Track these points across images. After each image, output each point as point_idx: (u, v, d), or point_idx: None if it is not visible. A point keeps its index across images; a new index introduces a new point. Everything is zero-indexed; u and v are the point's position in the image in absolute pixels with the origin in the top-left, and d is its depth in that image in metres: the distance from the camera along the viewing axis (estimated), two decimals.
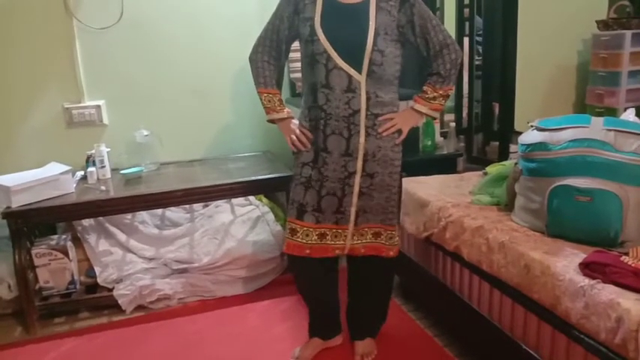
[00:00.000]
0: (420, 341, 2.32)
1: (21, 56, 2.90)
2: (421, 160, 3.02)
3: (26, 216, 2.46)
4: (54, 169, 2.63)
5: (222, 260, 2.80)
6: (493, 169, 2.42)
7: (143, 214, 3.03)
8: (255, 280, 2.85)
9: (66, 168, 2.64)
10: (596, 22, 4.07)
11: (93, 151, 2.86)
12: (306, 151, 1.99)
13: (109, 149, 2.89)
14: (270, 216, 3.07)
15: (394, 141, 1.96)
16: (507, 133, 3.06)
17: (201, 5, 3.12)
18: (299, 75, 2.22)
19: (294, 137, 1.99)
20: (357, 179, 1.94)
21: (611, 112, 3.85)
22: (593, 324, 1.44)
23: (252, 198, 3.19)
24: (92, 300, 2.70)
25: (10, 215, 2.43)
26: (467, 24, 3.30)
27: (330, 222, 1.98)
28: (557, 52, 4.12)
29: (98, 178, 2.83)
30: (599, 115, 2.01)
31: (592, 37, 4.09)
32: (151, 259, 2.85)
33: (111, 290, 2.69)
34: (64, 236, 2.75)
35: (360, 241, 2.04)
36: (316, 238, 1.99)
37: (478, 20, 3.26)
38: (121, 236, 2.90)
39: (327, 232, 1.99)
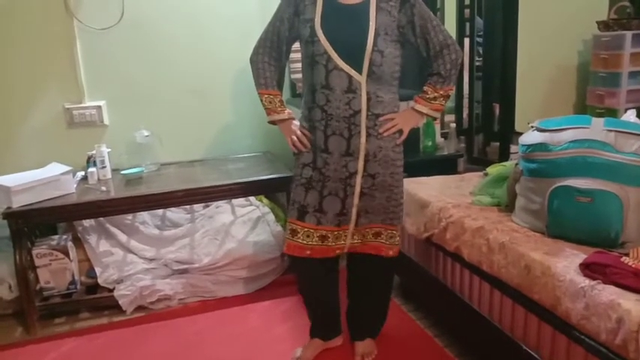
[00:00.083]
0: (420, 341, 2.32)
1: (21, 56, 2.91)
2: (422, 161, 3.02)
3: (27, 216, 2.47)
4: (55, 169, 2.63)
5: (223, 261, 2.81)
6: (493, 169, 2.42)
7: (144, 215, 3.03)
8: (256, 281, 2.85)
9: (67, 168, 2.64)
10: (597, 22, 4.06)
11: (93, 152, 2.86)
12: (307, 152, 1.99)
13: (109, 150, 2.90)
14: (271, 216, 3.07)
15: (395, 141, 1.96)
16: (508, 134, 3.06)
17: (201, 5, 3.13)
18: (299, 76, 2.22)
19: (294, 138, 2.00)
20: (359, 179, 1.94)
21: (612, 112, 3.85)
22: (594, 325, 1.44)
23: (252, 198, 3.19)
24: (93, 300, 2.70)
25: (11, 215, 2.43)
26: (467, 25, 3.30)
27: (332, 224, 1.98)
28: (557, 52, 4.12)
29: (99, 179, 2.83)
30: (599, 115, 2.02)
31: (592, 37, 4.09)
32: (151, 260, 2.85)
33: (111, 291, 2.70)
34: (64, 236, 2.75)
35: (360, 241, 2.05)
36: (317, 239, 1.99)
37: (478, 21, 3.26)
38: (122, 237, 2.90)
39: (329, 235, 1.99)
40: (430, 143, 3.11)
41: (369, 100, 1.88)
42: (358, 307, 2.24)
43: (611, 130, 1.74)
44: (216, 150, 3.33)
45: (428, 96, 1.97)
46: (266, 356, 2.26)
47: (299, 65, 2.16)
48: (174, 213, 3.15)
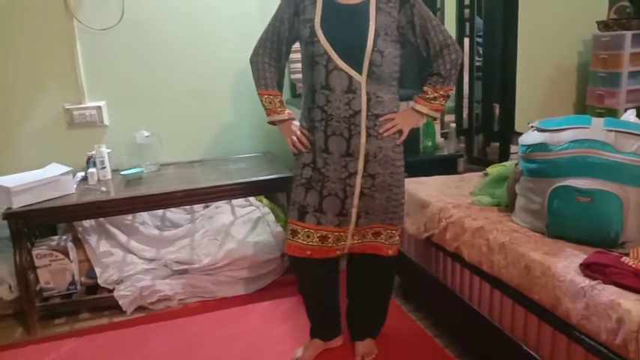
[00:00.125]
0: (420, 342, 2.32)
1: (21, 57, 2.91)
2: (422, 161, 3.03)
3: (27, 217, 2.46)
4: (54, 169, 2.63)
5: (223, 261, 2.81)
6: (493, 169, 2.42)
7: (144, 215, 3.03)
8: (256, 281, 2.85)
9: (66, 169, 2.64)
10: (597, 22, 4.06)
11: (93, 152, 2.86)
12: (307, 152, 1.99)
13: (109, 150, 2.89)
14: (271, 217, 3.07)
15: (395, 141, 1.96)
16: (508, 134, 3.06)
17: (201, 5, 3.12)
18: (299, 76, 2.22)
19: (294, 138, 2.00)
20: (359, 180, 1.94)
21: (612, 112, 3.85)
22: (594, 325, 1.44)
23: (252, 199, 3.19)
24: (93, 301, 2.70)
25: (11, 216, 2.43)
26: (467, 25, 3.30)
27: (332, 224, 1.98)
28: (557, 52, 4.12)
29: (99, 179, 2.83)
30: (599, 115, 2.02)
31: (592, 37, 4.09)
32: (151, 260, 2.85)
33: (111, 291, 2.69)
34: (64, 237, 2.75)
35: (360, 241, 2.05)
36: (317, 240, 1.99)
37: (478, 21, 3.26)
38: (122, 237, 2.90)
39: (329, 235, 1.99)
40: (430, 143, 3.11)
41: (368, 100, 1.88)
42: (358, 307, 2.24)
43: (611, 130, 1.74)
44: (216, 150, 3.33)
45: (428, 96, 1.97)
46: (266, 356, 2.26)
47: (299, 65, 2.16)
48: (174, 213, 3.15)
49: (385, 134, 1.93)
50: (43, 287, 2.64)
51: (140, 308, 2.70)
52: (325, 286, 2.16)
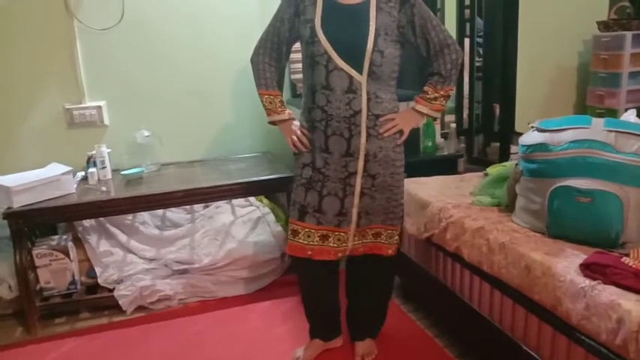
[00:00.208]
0: (420, 342, 2.32)
1: (21, 57, 2.91)
2: (422, 161, 3.02)
3: (27, 216, 2.47)
4: (55, 169, 2.63)
5: (223, 261, 2.81)
6: (494, 170, 2.42)
7: (144, 215, 3.03)
8: (256, 281, 2.85)
9: (67, 168, 2.64)
10: (597, 23, 4.06)
11: (94, 152, 2.86)
12: (307, 152, 1.99)
13: (109, 150, 2.89)
14: (271, 217, 3.07)
15: (395, 142, 1.96)
16: (508, 134, 3.06)
17: (201, 5, 3.12)
18: (300, 76, 2.22)
19: (294, 138, 2.00)
20: (359, 179, 1.94)
21: (612, 113, 3.85)
22: (594, 325, 1.44)
23: (252, 199, 3.19)
24: (93, 300, 2.70)
25: (11, 215, 2.43)
26: (467, 25, 3.31)
27: (332, 224, 1.98)
28: (557, 53, 4.12)
29: (99, 179, 2.83)
30: (599, 116, 2.01)
31: (592, 38, 4.09)
32: (151, 260, 2.85)
33: (111, 291, 2.70)
34: (64, 237, 2.75)
35: (360, 242, 2.04)
36: (318, 239, 1.99)
37: (479, 21, 3.26)
38: (122, 237, 2.90)
39: (330, 235, 1.99)
40: (430, 143, 3.11)
41: (369, 100, 1.88)
42: (358, 308, 2.24)
43: (611, 131, 1.74)
44: (216, 150, 3.33)
45: (428, 96, 1.97)
46: (266, 356, 2.26)
47: (299, 66, 2.16)
48: (174, 213, 3.15)
49: (386, 134, 1.93)
50: (43, 287, 2.64)
51: (140, 308, 2.70)
52: (326, 287, 2.16)
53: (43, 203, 2.49)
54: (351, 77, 1.86)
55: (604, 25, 4.06)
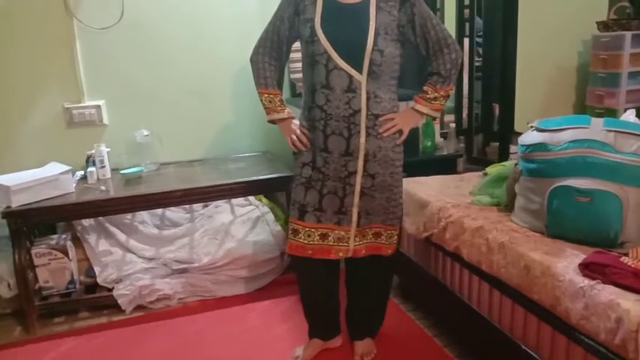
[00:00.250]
0: (419, 341, 2.33)
1: (21, 56, 2.91)
2: (421, 161, 3.02)
3: (26, 216, 2.46)
4: (54, 168, 2.63)
5: (222, 260, 2.81)
6: (493, 169, 2.42)
7: (143, 214, 3.03)
8: (256, 280, 2.85)
9: (66, 168, 2.64)
10: (596, 23, 4.06)
11: (93, 151, 2.86)
12: (307, 152, 1.99)
13: (109, 149, 2.90)
14: (270, 216, 3.07)
15: (395, 141, 1.96)
16: (507, 134, 3.06)
17: (201, 5, 3.12)
18: (299, 75, 2.22)
19: (294, 137, 2.00)
20: (359, 179, 1.94)
21: (611, 113, 3.85)
22: (593, 324, 1.44)
23: (252, 198, 3.19)
24: (92, 300, 2.70)
25: (10, 215, 2.43)
26: (467, 25, 3.31)
27: (332, 222, 1.98)
28: (557, 53, 4.12)
29: (98, 178, 2.83)
30: (599, 116, 2.01)
31: (592, 38, 4.09)
32: (150, 259, 2.85)
33: (110, 290, 2.69)
34: (63, 236, 2.75)
35: (361, 242, 2.03)
36: (318, 238, 1.99)
37: (478, 21, 3.26)
38: (121, 236, 2.90)
39: (329, 233, 1.99)
40: (430, 143, 3.11)
41: (368, 99, 1.88)
42: (357, 307, 2.24)
43: (610, 131, 1.74)
44: (215, 150, 3.33)
45: (428, 96, 1.97)
46: (265, 356, 2.26)
47: (298, 65, 2.16)
48: (173, 212, 3.15)
49: (385, 134, 1.93)
50: (42, 286, 2.64)
51: (139, 307, 2.69)
52: (326, 287, 2.16)
53: (42, 202, 2.49)
54: (350, 76, 1.86)
55: (603, 25, 4.06)
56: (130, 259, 2.83)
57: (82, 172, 2.87)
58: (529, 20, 3.30)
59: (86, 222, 2.88)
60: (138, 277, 2.73)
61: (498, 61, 3.06)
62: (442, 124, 3.48)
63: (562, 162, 1.76)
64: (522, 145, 1.92)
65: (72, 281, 2.69)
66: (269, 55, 2.01)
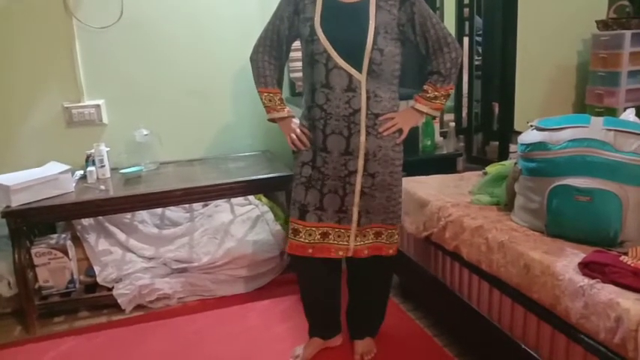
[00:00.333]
0: (419, 341, 2.33)
1: (21, 56, 2.90)
2: (421, 160, 3.02)
3: (26, 215, 2.46)
4: (53, 168, 2.63)
5: (222, 260, 2.80)
6: (493, 168, 2.43)
7: (143, 214, 3.02)
8: (255, 280, 2.85)
9: (65, 167, 2.63)
10: (596, 22, 4.07)
11: (92, 151, 2.86)
12: (306, 151, 1.99)
13: (108, 149, 2.89)
14: (270, 215, 3.07)
15: (395, 140, 1.96)
16: (507, 133, 3.06)
17: (201, 5, 3.12)
18: (299, 74, 2.22)
19: (294, 136, 2.00)
20: (359, 178, 1.94)
21: (611, 112, 3.85)
22: (593, 324, 1.44)
23: (251, 197, 3.19)
24: (92, 299, 2.70)
25: (10, 214, 2.43)
26: (467, 24, 3.31)
27: (333, 221, 1.98)
28: (556, 52, 4.12)
29: (98, 178, 2.82)
30: (598, 115, 2.02)
31: (592, 37, 4.09)
32: (150, 259, 2.85)
33: (110, 289, 2.69)
34: (63, 235, 2.75)
35: (362, 242, 2.03)
36: (319, 237, 1.99)
37: (478, 20, 3.26)
38: (121, 235, 2.90)
39: (330, 232, 1.99)
40: (429, 142, 3.11)
41: (368, 99, 1.88)
42: (357, 306, 2.24)
43: (610, 130, 1.74)
44: (215, 149, 3.32)
45: (428, 95, 1.97)
46: (265, 355, 2.26)
47: (298, 64, 2.16)
48: (173, 212, 3.14)
49: (385, 133, 1.93)
50: (42, 286, 2.64)
51: (139, 307, 2.69)
52: (326, 286, 2.16)
53: (42, 202, 2.49)
54: (350, 76, 1.86)
55: (603, 24, 4.06)
56: (129, 259, 2.83)
57: (82, 172, 2.87)
58: (529, 19, 3.31)
59: (86, 221, 2.87)
60: (137, 277, 2.73)
61: (498, 60, 3.06)
62: (442, 123, 3.47)
63: (562, 161, 1.77)
64: (522, 144, 1.92)
65: (72, 281, 2.69)
66: (269, 54, 2.01)
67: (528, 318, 1.71)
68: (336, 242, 2.00)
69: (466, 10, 3.32)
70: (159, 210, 3.08)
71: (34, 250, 2.60)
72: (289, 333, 2.40)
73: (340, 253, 2.02)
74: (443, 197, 2.28)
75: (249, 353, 2.28)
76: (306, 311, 2.23)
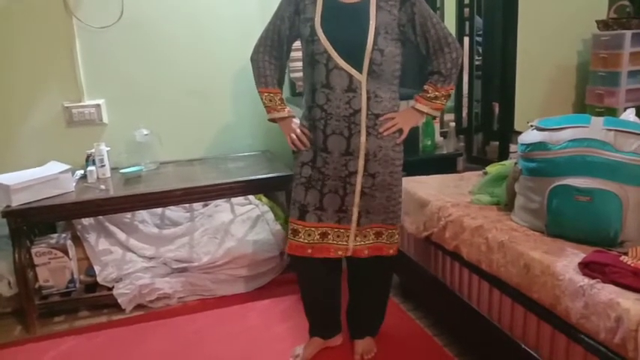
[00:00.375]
0: (419, 341, 2.33)
1: (21, 56, 2.90)
2: (421, 160, 3.02)
3: (26, 215, 2.46)
4: (54, 168, 2.63)
5: (222, 259, 2.80)
6: (493, 168, 2.43)
7: (143, 214, 3.02)
8: (255, 280, 2.85)
9: (66, 167, 2.64)
10: (596, 22, 4.07)
11: (93, 150, 2.86)
12: (306, 151, 1.99)
13: (108, 148, 2.89)
14: (270, 215, 3.07)
15: (395, 140, 1.96)
16: (507, 133, 3.06)
17: (201, 5, 3.12)
18: (299, 75, 2.22)
19: (294, 136, 2.00)
20: (359, 179, 1.94)
21: (611, 112, 3.85)
22: (593, 324, 1.44)
23: (251, 197, 3.19)
24: (92, 299, 2.70)
25: (10, 214, 2.43)
26: (467, 24, 3.30)
27: (332, 221, 1.98)
28: (557, 52, 4.12)
29: (98, 177, 2.83)
30: (599, 115, 2.02)
31: (592, 37, 4.09)
32: (150, 258, 2.85)
33: (110, 289, 2.69)
34: (63, 235, 2.75)
35: (362, 243, 2.03)
36: (318, 237, 1.99)
37: (478, 20, 3.26)
38: (121, 235, 2.90)
39: (329, 232, 1.99)
40: (429, 142, 3.11)
41: (368, 99, 1.88)
42: (357, 306, 2.25)
43: (610, 130, 1.74)
44: (215, 149, 3.32)
45: (429, 95, 1.97)
46: (265, 355, 2.26)
47: (298, 64, 2.16)
48: (173, 212, 3.14)
49: (385, 133, 1.93)
50: (42, 285, 2.64)
51: (139, 306, 2.69)
52: (326, 285, 2.16)
53: (42, 202, 2.49)
54: (350, 76, 1.86)
55: (603, 24, 4.06)
56: (129, 258, 2.83)
57: (82, 171, 2.87)
58: (529, 19, 3.31)
59: (86, 221, 2.87)
60: (138, 276, 2.73)
61: (498, 60, 3.06)
62: (442, 123, 3.48)
63: (562, 161, 1.77)
64: (522, 144, 1.92)
65: (72, 280, 2.69)
66: (269, 54, 2.01)
67: (528, 318, 1.71)
68: (335, 242, 2.00)
69: (466, 10, 3.32)
70: (159, 210, 3.08)
71: (34, 250, 2.60)
72: (289, 333, 2.40)
73: (339, 252, 2.02)
74: (443, 197, 2.28)
75: (249, 353, 2.28)
76: (306, 311, 2.23)
